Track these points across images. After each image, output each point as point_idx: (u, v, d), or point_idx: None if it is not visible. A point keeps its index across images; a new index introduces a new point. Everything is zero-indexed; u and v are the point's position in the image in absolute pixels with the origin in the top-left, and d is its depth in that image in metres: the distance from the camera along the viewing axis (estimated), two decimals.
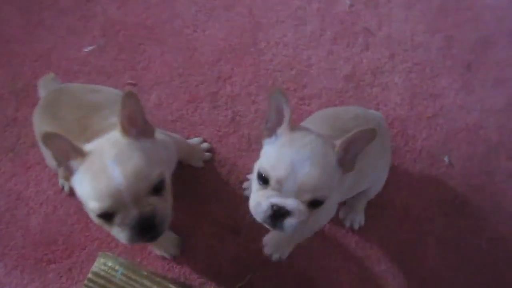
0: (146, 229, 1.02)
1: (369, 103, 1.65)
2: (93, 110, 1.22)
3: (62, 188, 1.55)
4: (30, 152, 1.58)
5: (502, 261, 1.46)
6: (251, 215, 1.04)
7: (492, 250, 1.47)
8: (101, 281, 1.06)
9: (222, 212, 1.47)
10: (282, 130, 1.02)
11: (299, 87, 1.68)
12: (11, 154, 1.59)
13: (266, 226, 1.03)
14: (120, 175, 0.99)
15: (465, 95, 1.66)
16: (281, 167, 0.97)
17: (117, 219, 1.02)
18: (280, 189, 0.98)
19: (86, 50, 1.73)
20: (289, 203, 0.98)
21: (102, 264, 1.06)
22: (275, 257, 1.42)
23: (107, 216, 1.02)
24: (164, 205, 1.05)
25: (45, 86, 1.37)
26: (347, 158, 1.01)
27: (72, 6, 1.80)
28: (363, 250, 1.45)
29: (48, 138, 0.99)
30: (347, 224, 1.47)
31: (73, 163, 1.03)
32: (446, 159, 1.57)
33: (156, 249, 1.46)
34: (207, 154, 1.56)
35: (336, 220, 1.46)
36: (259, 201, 1.00)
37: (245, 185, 1.51)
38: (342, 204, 1.46)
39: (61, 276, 1.44)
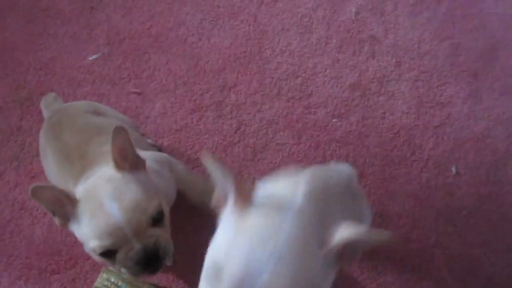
0: (151, 262, 1.01)
1: (375, 111, 1.63)
2: (93, 134, 1.21)
3: None
4: (34, 161, 1.58)
5: (511, 273, 1.44)
6: None
7: (499, 261, 1.45)
8: None
9: None
10: (230, 208, 0.76)
11: (304, 96, 1.66)
12: (15, 163, 1.59)
13: None
14: (118, 210, 0.98)
15: (473, 103, 1.64)
16: (234, 263, 0.68)
17: (120, 254, 1.01)
18: None
19: (90, 58, 1.72)
20: None
21: (105, 280, 1.06)
22: None
23: (109, 253, 1.01)
24: (166, 235, 1.05)
25: (47, 107, 1.36)
26: (348, 254, 0.72)
27: (77, 14, 1.80)
28: (369, 261, 1.43)
29: (38, 191, 0.98)
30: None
31: (68, 209, 1.02)
32: (453, 168, 1.56)
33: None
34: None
35: None
36: None
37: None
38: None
39: (64, 287, 1.43)
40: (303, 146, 1.60)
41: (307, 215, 0.73)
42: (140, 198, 1.01)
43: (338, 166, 1.21)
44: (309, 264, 0.68)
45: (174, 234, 1.11)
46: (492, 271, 1.44)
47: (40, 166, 1.55)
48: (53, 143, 1.23)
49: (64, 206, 1.02)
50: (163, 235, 1.04)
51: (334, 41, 1.74)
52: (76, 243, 1.48)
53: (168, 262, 1.06)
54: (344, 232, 0.69)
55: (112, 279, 1.04)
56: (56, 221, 1.05)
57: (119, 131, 1.02)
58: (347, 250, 0.71)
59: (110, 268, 1.07)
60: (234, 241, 0.70)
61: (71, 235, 1.49)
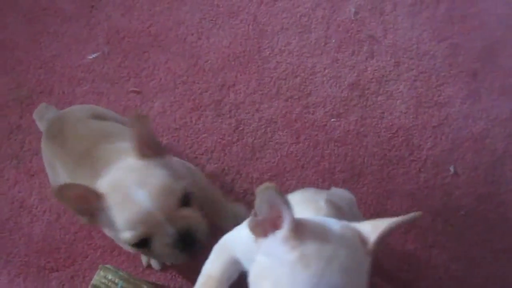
0: (188, 243, 0.99)
1: (374, 111, 1.64)
2: (99, 137, 1.20)
3: None
4: (34, 160, 1.59)
5: (508, 273, 1.44)
6: None
7: (497, 261, 1.45)
8: None
9: None
10: (285, 237, 0.73)
11: (303, 95, 1.67)
12: (14, 161, 1.59)
13: None
14: (146, 197, 0.96)
15: (471, 104, 1.64)
16: None
17: (155, 242, 0.99)
18: None
19: (90, 57, 1.73)
20: None
21: (102, 277, 1.06)
22: None
23: (143, 243, 0.99)
24: (197, 216, 1.02)
25: (41, 118, 1.35)
26: (379, 246, 0.77)
27: (77, 13, 1.80)
28: None
29: (62, 191, 0.96)
30: None
31: (94, 205, 1.00)
32: (451, 168, 1.56)
33: (145, 259, 1.43)
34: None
35: None
36: None
37: None
38: None
39: (63, 285, 1.44)
40: (302, 145, 1.60)
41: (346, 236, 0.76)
42: (166, 181, 0.99)
43: (339, 191, 1.24)
44: (364, 271, 0.74)
45: None
46: (490, 271, 1.44)
47: (40, 165, 1.56)
48: (60, 153, 1.21)
49: (90, 203, 1.00)
50: (194, 215, 1.01)
51: (333, 40, 1.74)
52: (75, 241, 1.48)
53: (206, 241, 1.03)
54: (377, 227, 0.74)
55: (110, 277, 1.05)
56: (83, 220, 1.03)
57: (140, 118, 1.01)
58: (379, 242, 0.75)
59: (108, 265, 1.07)
60: (295, 271, 0.70)
61: (70, 232, 1.50)
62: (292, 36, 1.75)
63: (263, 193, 0.71)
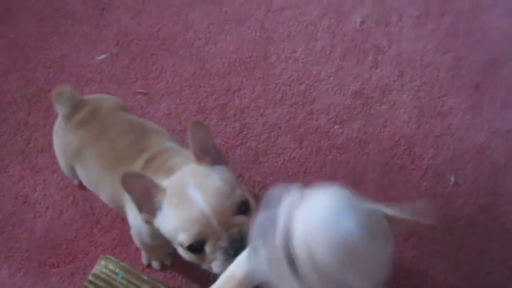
0: (238, 251, 0.97)
1: (377, 120, 1.66)
2: (145, 132, 1.22)
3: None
4: (39, 156, 1.61)
5: (507, 283, 1.45)
6: None
7: (496, 271, 1.45)
8: (101, 284, 1.06)
9: None
10: None
11: (307, 102, 1.69)
12: (20, 157, 1.61)
13: None
14: (202, 198, 0.97)
15: (473, 115, 1.66)
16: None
17: (209, 247, 1.00)
18: None
19: (99, 58, 1.75)
20: None
21: (103, 267, 1.07)
22: None
23: (198, 246, 1.00)
24: (250, 223, 0.99)
25: (63, 100, 1.24)
26: None
27: (88, 15, 1.83)
28: None
29: (130, 179, 0.98)
30: None
31: (155, 201, 1.02)
32: (452, 178, 1.57)
33: (146, 258, 1.45)
34: None
35: None
36: None
37: None
38: None
39: (63, 281, 1.45)
40: (305, 151, 1.62)
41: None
42: (222, 185, 1.00)
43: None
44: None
45: None
46: (489, 281, 1.45)
47: (45, 161, 1.58)
48: (95, 142, 1.20)
49: (152, 198, 1.01)
50: (247, 222, 0.99)
51: (339, 49, 1.77)
52: (77, 238, 1.50)
53: None
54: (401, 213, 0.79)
55: (110, 266, 1.06)
56: (142, 216, 1.04)
57: (198, 124, 1.03)
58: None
59: (109, 256, 1.08)
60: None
61: (71, 229, 1.51)
62: (298, 43, 1.78)
63: None
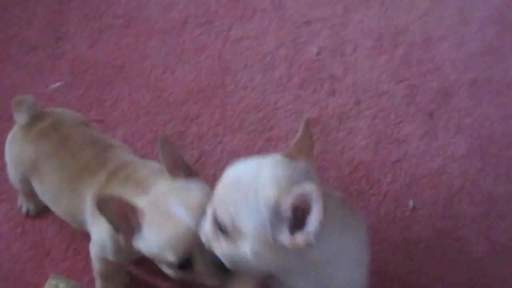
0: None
1: (335, 146, 1.67)
2: (107, 146, 1.21)
3: (21, 209, 1.48)
4: None
5: None
6: None
7: None
8: None
9: None
10: None
11: (265, 129, 1.69)
12: None
13: None
14: (186, 214, 0.96)
15: (428, 141, 1.69)
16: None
17: (198, 262, 0.98)
18: None
19: (52, 86, 1.72)
20: None
21: (53, 286, 1.02)
22: None
23: (187, 263, 0.98)
24: None
25: (22, 109, 1.24)
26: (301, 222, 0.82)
27: (43, 43, 1.81)
28: None
29: (104, 202, 0.95)
30: None
31: (133, 222, 0.99)
32: (410, 203, 1.58)
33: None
34: None
35: None
36: None
37: None
38: None
39: None
40: None
41: None
42: (204, 197, 0.99)
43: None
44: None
45: None
46: None
47: None
48: (56, 154, 1.18)
49: (129, 219, 0.98)
50: None
51: (296, 78, 1.79)
52: (25, 270, 1.42)
53: None
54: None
55: (61, 286, 1.01)
56: (121, 239, 1.01)
57: (166, 139, 1.04)
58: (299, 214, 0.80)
59: (59, 275, 1.03)
60: None
61: (19, 262, 1.43)
62: (256, 73, 1.80)
63: None
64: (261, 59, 1.82)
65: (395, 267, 1.47)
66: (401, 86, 1.79)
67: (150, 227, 0.98)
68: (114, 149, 1.22)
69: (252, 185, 0.84)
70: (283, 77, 1.79)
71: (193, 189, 1.02)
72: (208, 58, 1.81)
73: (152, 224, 0.98)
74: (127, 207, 0.98)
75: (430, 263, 1.49)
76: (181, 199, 0.99)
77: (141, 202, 1.01)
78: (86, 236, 1.27)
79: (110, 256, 1.18)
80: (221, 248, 0.89)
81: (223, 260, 0.91)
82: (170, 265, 0.99)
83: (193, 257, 0.98)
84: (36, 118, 1.23)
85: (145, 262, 1.32)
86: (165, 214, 0.97)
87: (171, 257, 0.97)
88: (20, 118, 1.24)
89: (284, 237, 0.81)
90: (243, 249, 0.85)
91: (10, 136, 1.29)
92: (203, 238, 0.92)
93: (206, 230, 0.91)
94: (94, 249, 1.23)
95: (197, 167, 1.59)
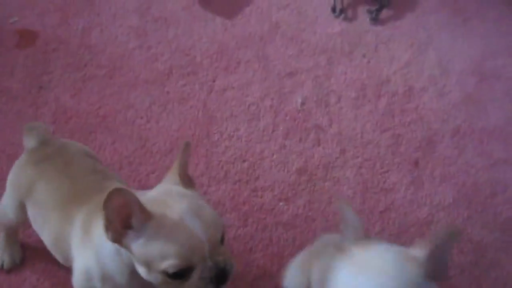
0: (221, 280, 1.00)
1: (322, 196, 1.65)
2: (107, 176, 1.24)
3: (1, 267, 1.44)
4: None
5: None
6: None
7: None
8: None
9: None
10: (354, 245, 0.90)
11: (251, 179, 1.67)
12: None
13: None
14: (200, 226, 0.95)
15: (415, 190, 1.68)
16: None
17: (195, 273, 0.97)
18: None
19: None
20: None
21: None
22: None
23: (183, 273, 0.97)
24: (230, 254, 1.04)
25: (33, 134, 1.29)
26: (438, 267, 0.88)
27: (25, 92, 1.79)
28: None
29: (116, 195, 0.93)
30: None
31: (133, 221, 0.96)
32: None
33: None
34: None
35: None
36: None
37: None
38: None
39: None
40: (250, 228, 1.57)
41: None
42: (215, 214, 1.01)
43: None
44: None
45: None
46: None
47: None
48: (56, 177, 1.20)
49: (130, 217, 0.95)
50: (229, 253, 1.03)
51: (281, 128, 1.79)
52: None
53: (230, 280, 1.03)
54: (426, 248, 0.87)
55: None
56: (109, 236, 0.97)
57: (188, 147, 1.07)
58: (433, 261, 0.86)
59: None
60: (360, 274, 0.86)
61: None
62: (241, 122, 1.79)
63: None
64: (246, 109, 1.82)
65: None
66: (385, 135, 1.79)
67: (156, 232, 0.95)
68: (113, 180, 1.23)
69: None
70: (268, 127, 1.79)
71: (203, 203, 1.03)
72: (193, 108, 1.81)
73: (160, 229, 0.96)
74: (135, 205, 0.95)
75: None
76: (195, 211, 0.98)
77: (147, 203, 0.98)
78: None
79: (97, 283, 1.12)
80: None
81: None
82: (163, 271, 0.96)
83: (192, 268, 0.98)
84: (44, 143, 1.26)
85: None
86: (177, 221, 0.96)
87: (173, 264, 0.95)
88: (29, 142, 1.28)
89: None
90: None
91: (16, 162, 1.31)
92: None
93: None
94: (78, 281, 1.17)
95: None
